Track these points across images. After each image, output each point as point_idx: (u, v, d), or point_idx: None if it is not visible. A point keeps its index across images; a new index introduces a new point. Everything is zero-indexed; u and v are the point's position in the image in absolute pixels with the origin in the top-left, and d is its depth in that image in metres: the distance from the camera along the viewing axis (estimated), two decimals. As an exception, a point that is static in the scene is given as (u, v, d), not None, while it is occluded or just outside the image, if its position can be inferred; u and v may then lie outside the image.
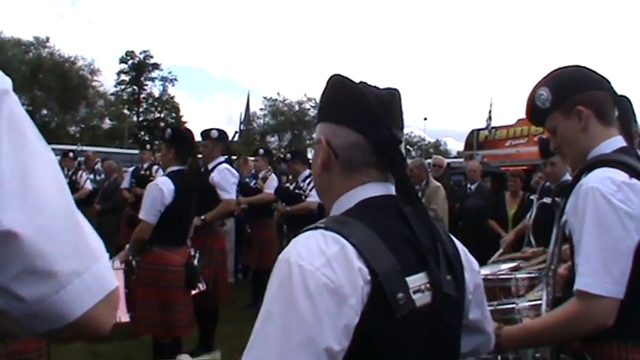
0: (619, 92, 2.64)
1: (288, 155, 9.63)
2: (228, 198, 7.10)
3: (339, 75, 1.78)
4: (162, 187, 5.60)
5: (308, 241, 1.53)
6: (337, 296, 1.42)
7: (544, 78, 2.61)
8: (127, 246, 5.75)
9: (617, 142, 2.52)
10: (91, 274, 1.15)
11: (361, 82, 1.77)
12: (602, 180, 2.31)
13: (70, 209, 1.18)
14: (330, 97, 1.80)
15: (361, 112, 1.71)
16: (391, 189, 1.74)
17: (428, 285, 1.61)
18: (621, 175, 2.31)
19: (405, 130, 1.90)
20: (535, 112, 2.63)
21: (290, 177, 10.11)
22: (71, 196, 1.20)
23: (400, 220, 1.66)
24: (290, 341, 1.39)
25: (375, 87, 1.77)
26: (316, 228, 1.58)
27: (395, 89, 1.81)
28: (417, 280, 1.59)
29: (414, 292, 1.56)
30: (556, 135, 2.59)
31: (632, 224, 2.25)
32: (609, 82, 2.58)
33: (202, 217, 6.80)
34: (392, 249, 1.56)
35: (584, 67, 2.60)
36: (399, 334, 1.53)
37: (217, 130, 7.57)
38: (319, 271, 1.44)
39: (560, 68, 2.63)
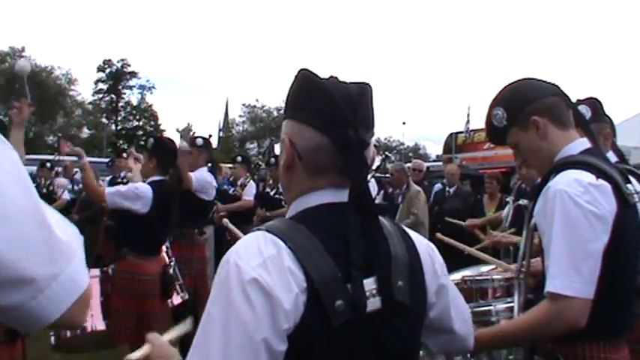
0: (590, 95, 2.67)
1: (272, 160, 9.62)
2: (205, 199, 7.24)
3: (307, 70, 1.70)
4: (142, 196, 5.56)
5: (249, 242, 1.54)
6: (271, 298, 1.42)
7: (495, 98, 2.66)
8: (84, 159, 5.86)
9: (582, 144, 2.55)
10: (66, 275, 1.16)
11: (331, 77, 1.70)
12: (569, 182, 2.33)
13: (38, 211, 1.17)
14: (296, 94, 1.72)
15: (327, 111, 1.63)
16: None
17: (374, 292, 1.57)
18: (588, 177, 2.33)
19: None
20: (495, 132, 2.67)
21: (271, 182, 10.11)
22: (37, 196, 1.19)
23: (349, 227, 1.57)
24: (231, 341, 1.40)
25: (344, 83, 1.69)
26: (259, 230, 1.58)
27: (366, 84, 1.73)
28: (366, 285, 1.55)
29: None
30: (520, 149, 2.63)
31: (600, 225, 2.28)
32: (559, 87, 2.61)
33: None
34: (336, 257, 1.52)
35: (531, 78, 2.66)
36: (338, 342, 1.50)
37: (203, 138, 7.61)
38: (255, 271, 1.44)
39: (507, 85, 2.67)
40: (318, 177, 1.67)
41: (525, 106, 2.54)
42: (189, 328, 2.23)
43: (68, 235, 1.24)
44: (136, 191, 5.56)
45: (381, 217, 1.76)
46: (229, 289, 1.44)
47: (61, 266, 1.17)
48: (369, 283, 1.57)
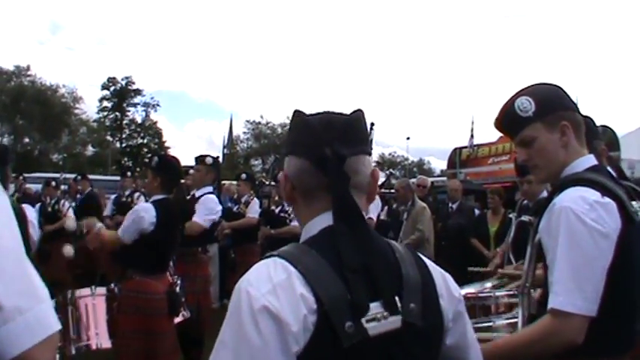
0: (584, 112, 2.68)
1: (280, 175, 9.64)
2: (197, 220, 7.09)
3: (298, 110, 1.81)
4: (144, 214, 5.56)
5: (260, 268, 1.59)
6: (280, 323, 1.46)
7: (526, 88, 2.62)
8: (98, 226, 5.84)
9: (590, 160, 2.56)
10: (34, 313, 1.16)
11: (325, 112, 1.80)
12: (575, 199, 2.33)
13: (20, 252, 1.19)
14: (288, 133, 1.86)
15: (304, 137, 1.74)
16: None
17: (385, 314, 1.59)
18: (594, 194, 2.34)
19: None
20: (512, 119, 2.59)
21: (276, 199, 10.11)
22: (22, 242, 1.21)
23: (359, 249, 1.62)
24: None
25: (339, 114, 1.79)
26: (271, 256, 1.63)
27: (357, 110, 1.81)
28: (372, 309, 1.57)
29: (368, 321, 1.55)
30: (531, 146, 2.58)
31: (605, 243, 2.28)
32: None
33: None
34: (344, 278, 1.56)
35: (562, 88, 2.63)
36: None
37: (212, 157, 7.62)
38: (264, 298, 1.49)
39: (541, 83, 2.65)
40: (313, 201, 1.74)
41: (560, 109, 2.54)
42: None
43: (42, 284, 1.24)
44: (138, 215, 5.57)
45: (393, 242, 1.81)
46: (240, 316, 1.49)
47: (31, 303, 1.16)
48: (377, 306, 1.59)
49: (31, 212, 4.63)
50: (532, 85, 2.64)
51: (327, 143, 1.67)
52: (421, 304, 1.68)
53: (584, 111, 2.71)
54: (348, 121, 1.75)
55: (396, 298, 1.63)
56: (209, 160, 7.47)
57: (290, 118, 1.81)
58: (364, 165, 1.76)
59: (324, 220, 1.70)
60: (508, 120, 2.64)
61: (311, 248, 1.64)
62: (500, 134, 2.96)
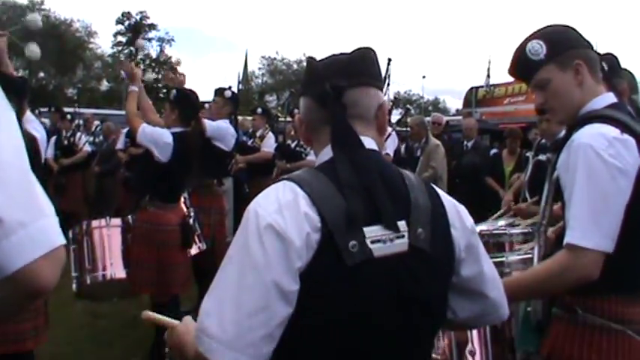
0: (611, 49, 2.64)
1: (296, 110, 9.60)
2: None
3: (309, 56, 1.90)
4: (165, 135, 5.63)
5: (270, 191, 1.66)
6: (284, 240, 1.53)
7: (536, 32, 2.59)
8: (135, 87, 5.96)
9: (609, 98, 2.53)
10: (37, 227, 1.15)
11: (332, 55, 1.86)
12: (594, 136, 2.31)
13: (25, 167, 1.19)
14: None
15: (308, 79, 1.85)
16: (368, 143, 1.78)
17: (391, 237, 1.63)
18: (613, 131, 2.32)
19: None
20: (525, 64, 2.58)
21: (292, 133, 10.11)
22: (27, 160, 1.21)
23: (358, 172, 1.67)
24: (243, 281, 1.53)
25: (343, 54, 1.85)
26: (282, 179, 1.71)
27: (365, 47, 1.85)
28: (377, 231, 1.62)
29: (373, 242, 1.60)
30: (546, 89, 2.56)
31: (623, 180, 2.27)
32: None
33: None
34: (351, 200, 1.61)
35: (573, 28, 2.60)
36: (353, 283, 1.57)
37: (231, 91, 7.69)
38: (270, 217, 1.55)
39: (551, 25, 2.61)
40: (320, 136, 1.82)
41: (572, 48, 2.51)
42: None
43: (47, 201, 1.23)
44: (163, 138, 5.60)
45: (404, 170, 1.85)
46: (247, 234, 1.56)
47: (34, 216, 1.16)
48: (381, 229, 1.63)
49: (32, 118, 4.58)
50: (542, 28, 2.61)
51: (327, 78, 1.74)
52: (430, 230, 1.71)
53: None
54: (350, 57, 1.81)
55: (403, 223, 1.67)
56: (228, 94, 7.50)
57: (305, 55, 1.86)
58: (368, 96, 1.80)
59: (329, 152, 1.76)
60: (521, 65, 2.63)
61: (320, 172, 1.70)
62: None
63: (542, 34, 2.57)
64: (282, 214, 1.55)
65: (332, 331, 1.59)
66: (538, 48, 2.53)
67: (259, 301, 1.51)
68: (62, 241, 1.21)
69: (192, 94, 6.18)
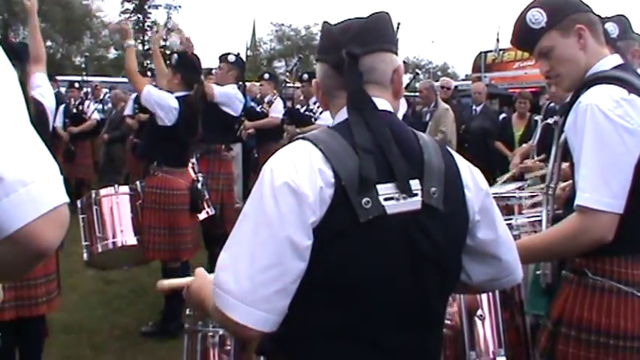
0: (619, 11, 2.62)
1: (305, 76, 9.54)
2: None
3: (324, 21, 1.89)
4: (171, 98, 5.66)
5: (285, 150, 1.70)
6: (298, 196, 1.55)
7: (535, 1, 2.57)
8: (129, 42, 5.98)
9: (615, 59, 2.51)
10: (37, 186, 1.13)
11: (347, 19, 1.86)
12: (601, 96, 2.30)
13: (25, 125, 1.17)
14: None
15: (324, 44, 1.86)
16: (383, 104, 1.80)
17: (404, 194, 1.65)
18: (620, 92, 2.31)
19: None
20: (526, 34, 2.58)
21: (301, 98, 10.07)
22: (28, 118, 1.19)
23: (372, 134, 1.69)
24: (257, 237, 1.56)
25: (357, 19, 1.85)
26: (298, 139, 1.74)
27: (379, 12, 1.86)
28: (390, 188, 1.64)
29: (386, 199, 1.62)
30: (550, 56, 2.55)
31: (632, 140, 2.26)
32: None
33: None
34: (365, 158, 1.62)
35: None
36: (366, 239, 1.60)
37: (235, 55, 7.60)
38: (285, 173, 1.58)
39: None
40: (336, 100, 1.84)
41: (572, 13, 2.49)
42: None
43: (50, 159, 1.21)
44: (168, 101, 5.62)
45: (418, 132, 1.88)
46: (262, 191, 1.60)
47: (35, 175, 1.14)
48: (392, 187, 1.65)
49: (44, 80, 4.57)
50: None
51: (343, 45, 1.75)
52: (443, 190, 1.72)
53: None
54: (365, 23, 1.81)
55: (415, 182, 1.68)
56: (231, 58, 7.42)
57: (314, 22, 1.87)
58: (384, 62, 1.81)
59: (344, 113, 1.77)
60: (523, 35, 2.61)
61: (334, 131, 1.72)
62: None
63: (541, 2, 2.56)
64: (296, 170, 1.58)
65: (345, 286, 1.62)
66: (538, 16, 2.52)
67: (272, 256, 1.54)
68: (64, 199, 1.19)
69: (193, 58, 6.19)
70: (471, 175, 1.86)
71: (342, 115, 1.78)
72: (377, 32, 1.80)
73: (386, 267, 1.65)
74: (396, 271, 1.66)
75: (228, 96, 7.16)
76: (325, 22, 1.88)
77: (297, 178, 1.56)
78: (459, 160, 1.88)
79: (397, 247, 1.65)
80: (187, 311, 2.14)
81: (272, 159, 1.66)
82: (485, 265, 1.92)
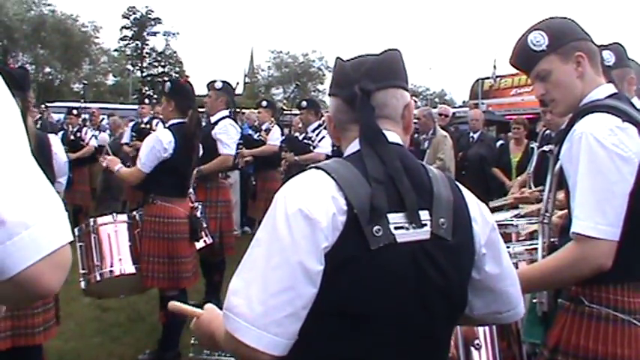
0: (616, 39, 2.65)
1: (304, 103, 9.55)
2: (227, 153, 7.08)
3: (338, 57, 1.94)
4: (161, 138, 5.60)
5: (299, 178, 1.74)
6: (311, 221, 1.58)
7: (538, 24, 2.60)
8: (118, 166, 5.91)
9: (609, 88, 2.54)
10: (40, 227, 1.11)
11: (360, 56, 1.91)
12: (596, 125, 2.32)
13: (28, 162, 1.15)
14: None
15: (338, 80, 1.90)
16: (393, 137, 1.85)
17: (414, 225, 1.68)
18: (614, 120, 2.33)
19: (410, 80, 1.98)
20: (526, 55, 2.60)
21: (300, 126, 10.09)
22: (29, 151, 1.17)
23: (384, 166, 1.73)
24: (270, 262, 1.59)
25: (370, 55, 1.90)
26: (311, 168, 1.78)
27: (392, 49, 1.90)
28: (400, 218, 1.68)
29: (396, 228, 1.66)
30: (547, 80, 2.58)
31: (626, 167, 2.28)
32: None
33: (197, 169, 6.69)
34: (377, 187, 1.67)
35: (574, 20, 2.61)
36: (375, 266, 1.62)
37: (221, 81, 7.52)
38: (298, 200, 1.62)
39: (551, 17, 2.62)
40: (348, 133, 1.89)
41: (572, 40, 2.52)
42: None
43: (53, 195, 1.18)
44: (155, 143, 5.61)
45: (427, 165, 1.92)
46: (275, 217, 1.63)
47: (38, 216, 1.11)
48: (404, 216, 1.69)
49: (57, 142, 4.63)
50: (543, 20, 2.63)
51: (356, 81, 1.81)
52: (452, 221, 1.75)
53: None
54: (378, 59, 1.86)
55: (425, 212, 1.72)
56: (218, 85, 7.37)
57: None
58: (395, 98, 1.87)
59: (356, 145, 1.83)
60: (522, 56, 2.64)
61: (347, 162, 1.77)
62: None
63: (543, 25, 2.58)
64: (310, 197, 1.62)
65: (354, 312, 1.64)
66: (540, 39, 2.54)
67: (285, 280, 1.57)
68: (67, 239, 1.16)
69: (186, 85, 6.18)
70: (478, 208, 1.90)
71: (354, 146, 1.83)
72: (389, 69, 1.86)
73: (395, 294, 1.67)
74: (405, 299, 1.68)
75: (227, 139, 7.10)
76: (338, 58, 1.93)
77: (310, 205, 1.60)
78: (467, 193, 1.91)
79: (406, 276, 1.68)
80: (192, 340, 2.15)
81: (285, 187, 1.71)
82: (488, 299, 1.94)
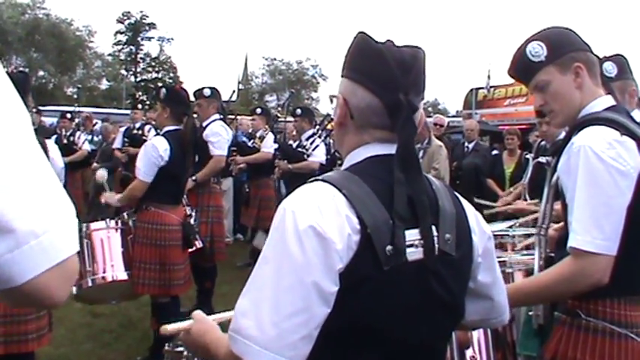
0: (616, 51, 2.64)
1: (298, 111, 9.55)
2: (218, 154, 7.13)
3: (364, 33, 1.78)
4: (157, 145, 5.59)
5: (305, 191, 1.66)
6: (324, 240, 1.51)
7: (536, 34, 2.59)
8: (117, 196, 5.86)
9: (608, 100, 2.53)
10: (50, 236, 1.09)
11: (387, 41, 1.77)
12: (594, 138, 2.32)
13: (42, 166, 1.13)
14: (353, 55, 1.80)
15: (379, 74, 1.71)
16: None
17: (422, 242, 1.66)
18: (613, 133, 2.32)
19: None
20: (525, 65, 2.59)
21: (294, 133, 10.09)
22: (44, 156, 1.15)
23: (400, 179, 1.66)
24: (282, 282, 1.52)
25: (399, 47, 1.76)
26: (316, 180, 1.70)
27: (419, 48, 1.78)
28: (410, 235, 1.64)
29: (407, 247, 1.63)
30: (545, 91, 2.57)
31: (624, 181, 2.27)
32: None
33: (193, 177, 6.81)
34: (387, 204, 1.62)
35: (573, 30, 2.60)
36: (388, 285, 1.60)
37: (210, 88, 7.56)
38: (309, 216, 1.54)
39: (550, 27, 2.61)
40: (365, 133, 1.78)
41: (571, 51, 2.51)
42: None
43: (65, 202, 1.17)
44: (151, 151, 5.60)
45: (429, 176, 1.87)
46: (284, 234, 1.55)
47: (47, 225, 1.09)
48: (415, 233, 1.66)
49: (54, 147, 4.63)
50: (542, 30, 2.62)
51: (403, 89, 1.69)
52: (455, 235, 1.74)
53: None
54: (420, 68, 1.75)
55: (432, 228, 1.70)
56: (207, 92, 7.41)
57: (356, 40, 1.79)
58: (420, 113, 1.78)
59: (370, 150, 1.76)
60: (521, 66, 2.63)
61: (355, 175, 1.69)
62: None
63: (542, 35, 2.58)
64: (322, 215, 1.55)
65: (363, 332, 1.61)
66: (539, 49, 2.53)
67: (299, 302, 1.50)
68: (75, 249, 1.15)
69: (181, 92, 6.17)
70: (476, 219, 1.90)
71: (363, 153, 1.77)
72: (424, 80, 1.79)
73: (403, 312, 1.65)
74: (412, 316, 1.67)
75: (217, 140, 7.18)
76: (367, 36, 1.77)
77: (322, 223, 1.53)
78: (466, 204, 1.91)
79: (414, 293, 1.66)
80: (167, 346, 2.08)
81: (291, 200, 1.62)
82: (479, 306, 1.94)
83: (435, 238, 1.69)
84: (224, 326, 1.83)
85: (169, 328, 1.96)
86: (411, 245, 1.64)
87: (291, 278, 1.51)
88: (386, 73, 1.70)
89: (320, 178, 1.70)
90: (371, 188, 1.64)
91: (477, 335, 2.93)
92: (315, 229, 1.52)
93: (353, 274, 1.54)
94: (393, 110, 1.69)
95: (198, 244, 6.29)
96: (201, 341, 1.83)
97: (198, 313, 1.94)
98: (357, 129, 1.78)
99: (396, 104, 1.68)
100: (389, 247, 1.58)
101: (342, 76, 1.83)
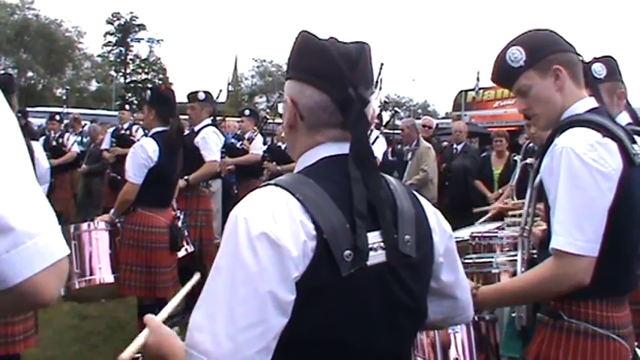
0: (605, 53, 2.64)
1: (286, 99, 9.55)
2: (212, 159, 7.12)
3: (306, 31, 1.74)
4: (145, 147, 5.59)
5: (257, 196, 1.57)
6: (278, 248, 1.44)
7: (515, 39, 2.60)
8: (112, 210, 5.76)
9: (590, 102, 2.54)
10: (43, 238, 1.12)
11: (330, 38, 1.73)
12: (576, 140, 2.32)
13: (31, 174, 1.16)
14: (297, 55, 1.75)
15: (326, 70, 1.66)
16: None
17: (382, 244, 1.61)
18: (594, 135, 2.33)
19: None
20: (505, 71, 2.59)
21: (282, 135, 10.07)
22: (31, 165, 1.18)
23: (357, 177, 1.61)
24: (236, 293, 1.43)
25: (343, 43, 1.72)
26: (268, 184, 1.62)
27: (364, 43, 1.74)
28: (371, 238, 1.59)
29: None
30: (527, 95, 2.58)
31: (606, 183, 2.28)
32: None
33: (186, 177, 6.79)
34: (343, 207, 1.56)
35: (555, 32, 2.61)
36: (347, 292, 1.54)
37: (204, 92, 7.55)
38: (262, 223, 1.46)
39: (531, 30, 2.62)
40: (317, 134, 1.72)
41: (550, 54, 2.51)
42: (194, 283, 2.27)
43: (50, 209, 1.19)
44: (142, 154, 5.60)
45: (386, 175, 1.82)
46: (237, 242, 1.47)
47: (41, 227, 1.13)
48: (375, 236, 1.61)
49: (39, 148, 4.64)
50: (523, 33, 2.62)
51: (352, 84, 1.64)
52: (415, 236, 1.70)
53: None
54: (364, 60, 1.70)
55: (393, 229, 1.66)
56: (201, 96, 7.42)
57: (298, 39, 1.74)
58: (370, 107, 1.74)
59: (323, 151, 1.70)
60: (502, 73, 2.63)
61: (309, 178, 1.63)
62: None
63: (521, 40, 2.58)
64: (276, 222, 1.48)
65: (325, 339, 1.55)
66: (518, 55, 2.54)
67: (255, 313, 1.42)
68: (66, 251, 1.17)
69: (167, 93, 6.19)
70: (436, 218, 1.87)
71: (315, 154, 1.71)
72: (372, 72, 1.75)
73: (366, 321, 1.60)
74: (374, 322, 1.62)
75: (210, 145, 7.18)
76: (309, 34, 1.74)
77: (276, 229, 1.46)
78: (425, 203, 1.87)
79: (375, 298, 1.61)
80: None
81: (242, 206, 1.54)
82: (442, 305, 1.92)
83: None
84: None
85: (124, 356, 1.88)
86: (371, 249, 1.58)
87: (246, 288, 1.43)
88: (333, 69, 1.65)
89: (272, 182, 1.63)
90: (326, 191, 1.57)
91: (460, 337, 2.93)
92: (268, 236, 1.45)
93: (310, 282, 1.47)
94: (343, 106, 1.65)
95: (189, 248, 6.28)
96: (158, 354, 1.76)
97: (149, 319, 1.86)
98: (308, 130, 1.73)
99: (347, 99, 1.64)
100: (347, 252, 1.52)
101: (287, 79, 1.79)
